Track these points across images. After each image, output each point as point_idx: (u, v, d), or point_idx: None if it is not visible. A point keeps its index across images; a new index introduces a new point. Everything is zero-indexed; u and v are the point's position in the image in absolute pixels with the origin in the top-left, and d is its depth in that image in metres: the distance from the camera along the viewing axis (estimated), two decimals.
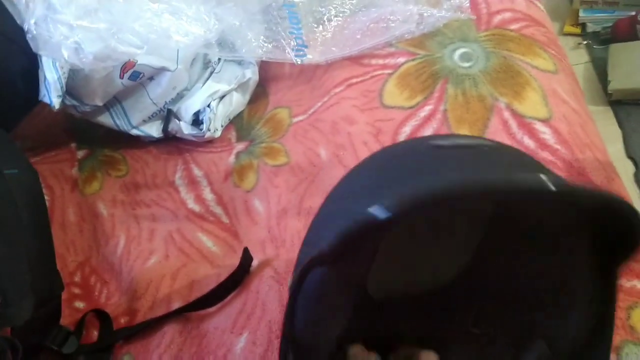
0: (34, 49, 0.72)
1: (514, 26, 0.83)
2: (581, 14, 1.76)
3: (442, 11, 0.85)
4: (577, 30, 1.78)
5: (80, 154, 0.91)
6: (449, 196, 0.34)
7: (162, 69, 0.78)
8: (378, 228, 0.35)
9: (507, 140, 0.71)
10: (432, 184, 0.36)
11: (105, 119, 0.85)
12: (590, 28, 1.78)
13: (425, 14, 0.85)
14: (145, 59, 0.76)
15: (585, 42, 1.75)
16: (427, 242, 0.54)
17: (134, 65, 0.76)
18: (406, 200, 0.34)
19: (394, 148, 0.50)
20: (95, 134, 0.92)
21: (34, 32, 0.70)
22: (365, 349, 0.53)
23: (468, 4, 0.85)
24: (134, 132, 0.85)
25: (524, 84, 0.75)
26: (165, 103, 0.83)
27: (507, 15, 0.85)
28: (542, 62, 0.78)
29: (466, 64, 0.80)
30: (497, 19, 0.84)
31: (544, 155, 0.69)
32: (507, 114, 0.73)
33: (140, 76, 0.78)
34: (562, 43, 1.73)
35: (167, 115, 0.84)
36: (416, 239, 0.55)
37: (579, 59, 1.75)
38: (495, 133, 0.72)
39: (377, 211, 0.34)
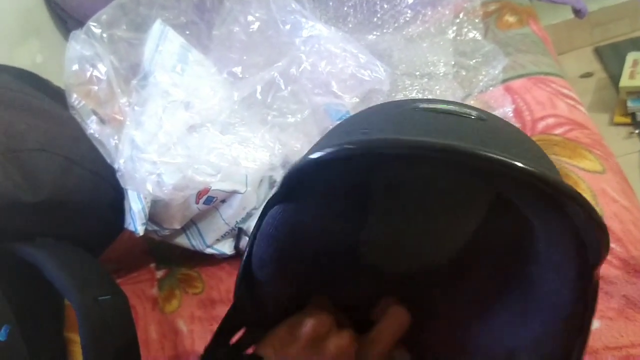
0: (122, 185, 0.81)
1: (558, 131, 0.88)
2: (629, 104, 1.77)
3: None
4: (627, 119, 1.79)
5: (159, 273, 0.98)
6: (370, 149, 0.38)
7: (233, 192, 0.86)
8: (315, 169, 0.39)
9: None
10: (366, 138, 0.39)
11: (182, 240, 0.92)
12: None
13: None
14: (218, 185, 0.83)
15: (637, 132, 1.77)
16: (432, 212, 0.58)
17: (209, 191, 0.83)
18: (337, 147, 0.38)
19: (386, 105, 0.51)
20: (172, 254, 0.99)
21: (123, 170, 0.79)
22: (327, 305, 0.54)
23: (512, 114, 0.91)
24: (209, 250, 0.92)
25: (572, 186, 0.78)
26: (236, 222, 0.90)
27: (551, 120, 0.89)
28: (589, 164, 0.82)
29: None
30: (541, 124, 0.89)
31: None
32: None
33: (214, 200, 0.86)
34: (613, 133, 1.77)
35: (238, 233, 0.91)
36: (421, 208, 0.58)
37: (633, 147, 1.76)
38: None
39: (315, 155, 0.39)
